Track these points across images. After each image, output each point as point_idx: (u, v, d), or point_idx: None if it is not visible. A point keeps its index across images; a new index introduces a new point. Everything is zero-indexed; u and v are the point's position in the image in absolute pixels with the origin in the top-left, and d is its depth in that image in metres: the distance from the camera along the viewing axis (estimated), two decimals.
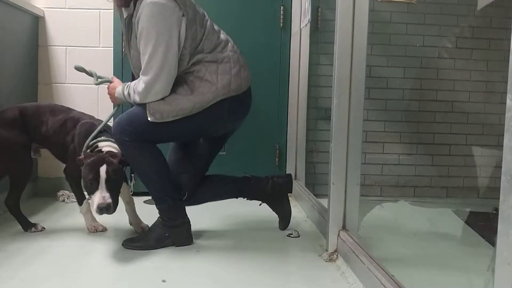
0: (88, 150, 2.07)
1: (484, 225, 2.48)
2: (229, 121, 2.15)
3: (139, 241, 2.13)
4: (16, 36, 2.78)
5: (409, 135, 3.30)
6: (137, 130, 2.00)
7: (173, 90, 2.00)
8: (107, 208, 1.90)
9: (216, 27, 2.12)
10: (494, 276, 1.00)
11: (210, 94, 1.99)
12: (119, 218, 2.83)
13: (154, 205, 2.82)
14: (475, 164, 3.23)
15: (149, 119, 1.98)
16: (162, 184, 2.10)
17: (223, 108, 2.05)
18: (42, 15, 3.07)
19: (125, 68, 3.09)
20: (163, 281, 1.76)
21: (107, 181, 1.92)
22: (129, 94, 2.05)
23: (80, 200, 2.33)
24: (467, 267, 1.95)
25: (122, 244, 2.13)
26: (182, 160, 2.29)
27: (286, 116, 3.25)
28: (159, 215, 2.16)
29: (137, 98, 2.00)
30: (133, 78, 2.08)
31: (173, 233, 2.13)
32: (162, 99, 1.99)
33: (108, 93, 2.20)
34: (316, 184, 3.08)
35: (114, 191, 1.94)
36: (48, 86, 3.13)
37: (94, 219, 2.35)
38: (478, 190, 3.24)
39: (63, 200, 2.98)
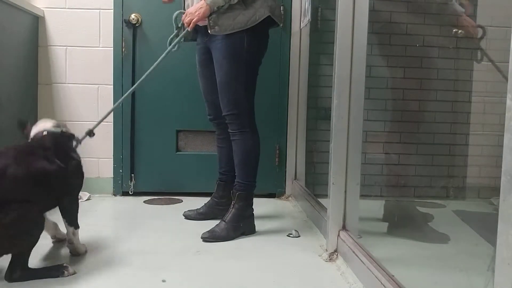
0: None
1: (484, 225, 2.48)
2: (265, 46, 2.39)
3: (218, 233, 2.27)
4: (16, 36, 2.78)
5: (409, 135, 3.29)
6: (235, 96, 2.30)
7: (231, 6, 2.22)
8: None
9: None
10: (494, 276, 1.00)
11: (262, 9, 2.23)
12: (119, 218, 2.83)
13: (155, 205, 2.83)
14: (475, 164, 3.23)
15: (209, 31, 2.24)
16: (256, 169, 2.39)
17: (267, 28, 2.32)
18: (42, 15, 3.07)
19: (125, 68, 3.10)
20: (163, 281, 1.76)
21: None
22: None
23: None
24: (467, 267, 1.94)
25: (202, 238, 2.23)
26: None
27: (286, 116, 3.25)
28: (234, 204, 2.33)
29: None
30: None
31: (245, 223, 2.34)
32: (224, 13, 2.21)
33: (190, 15, 2.23)
34: (316, 184, 3.08)
35: None
36: (48, 86, 3.13)
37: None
38: (478, 190, 3.23)
39: None
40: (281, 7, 3.14)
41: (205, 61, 2.43)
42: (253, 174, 2.37)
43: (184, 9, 2.38)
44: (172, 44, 2.32)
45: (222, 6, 2.19)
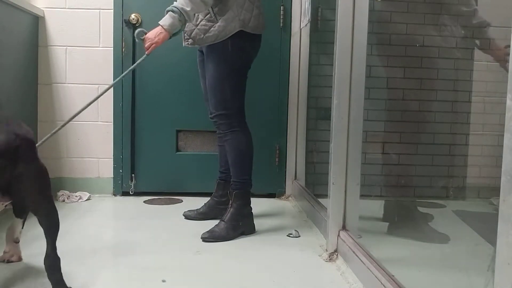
0: None
1: (484, 225, 2.48)
2: (254, 50, 2.42)
3: (218, 233, 2.28)
4: (16, 36, 2.78)
5: (409, 135, 3.29)
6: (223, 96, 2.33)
7: (204, 20, 2.30)
8: None
9: None
10: (494, 276, 1.00)
11: (233, 24, 2.26)
12: (119, 218, 2.83)
13: (155, 205, 2.81)
14: (475, 164, 3.23)
15: (183, 44, 2.40)
16: (250, 167, 2.41)
17: (243, 39, 2.31)
18: (42, 15, 3.07)
19: (125, 68, 3.09)
20: (163, 281, 1.76)
21: None
22: (178, 9, 2.16)
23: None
24: (467, 267, 1.94)
25: (201, 238, 2.24)
26: None
27: (286, 116, 3.25)
28: (231, 203, 2.34)
29: (187, 8, 2.16)
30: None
31: (244, 222, 2.36)
32: (196, 27, 2.31)
33: (150, 40, 2.23)
34: (316, 184, 3.08)
35: None
36: (48, 86, 3.13)
37: None
38: (478, 190, 3.23)
39: (63, 200, 2.98)
40: (282, 8, 3.16)
41: (202, 62, 2.48)
42: (247, 172, 2.40)
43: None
44: (130, 68, 2.45)
45: (180, 29, 2.23)
